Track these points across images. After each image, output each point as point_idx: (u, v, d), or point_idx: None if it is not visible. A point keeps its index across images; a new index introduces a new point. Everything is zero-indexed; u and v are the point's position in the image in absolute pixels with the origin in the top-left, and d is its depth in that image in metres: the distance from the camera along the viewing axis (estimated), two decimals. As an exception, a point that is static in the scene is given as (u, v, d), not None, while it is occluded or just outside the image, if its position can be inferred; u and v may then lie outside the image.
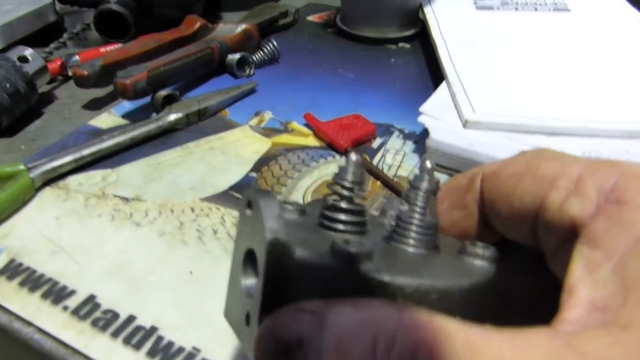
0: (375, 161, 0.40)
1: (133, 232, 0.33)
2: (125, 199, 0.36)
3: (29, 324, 0.28)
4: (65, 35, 0.51)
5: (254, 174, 0.38)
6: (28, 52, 0.46)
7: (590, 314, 0.16)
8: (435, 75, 0.50)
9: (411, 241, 0.20)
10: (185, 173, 0.38)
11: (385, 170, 0.39)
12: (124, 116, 0.45)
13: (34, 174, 0.36)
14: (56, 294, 0.29)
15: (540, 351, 0.14)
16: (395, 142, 0.42)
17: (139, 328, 0.27)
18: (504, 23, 0.55)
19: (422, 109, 0.40)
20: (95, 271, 0.30)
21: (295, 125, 0.44)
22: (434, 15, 0.57)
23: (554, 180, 0.20)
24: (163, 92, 0.45)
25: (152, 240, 0.33)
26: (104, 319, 0.28)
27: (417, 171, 0.21)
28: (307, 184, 0.37)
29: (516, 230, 0.23)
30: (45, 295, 0.29)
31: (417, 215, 0.20)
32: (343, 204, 0.20)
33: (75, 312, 0.28)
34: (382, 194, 0.36)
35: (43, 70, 0.47)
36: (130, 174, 0.38)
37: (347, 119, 0.43)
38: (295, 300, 0.16)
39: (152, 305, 0.28)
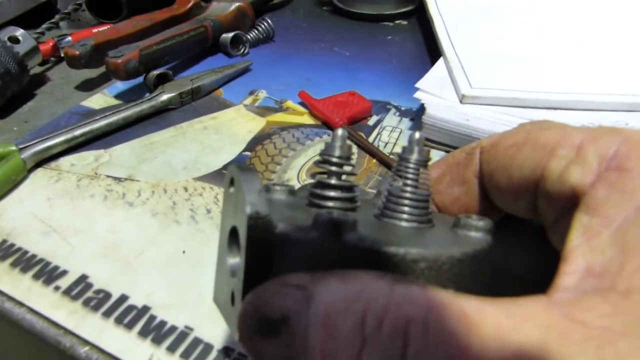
0: (371, 139, 0.39)
1: (126, 212, 0.33)
2: (118, 179, 0.35)
3: (21, 304, 0.28)
4: (57, 16, 0.51)
5: (247, 153, 0.37)
6: (19, 32, 0.45)
7: (586, 280, 0.16)
8: (432, 51, 0.50)
9: (403, 215, 0.19)
10: (178, 153, 0.38)
11: (381, 148, 0.38)
12: (117, 97, 0.45)
13: (25, 154, 0.36)
14: (48, 274, 0.29)
15: (539, 322, 0.14)
16: (391, 119, 0.41)
17: (131, 308, 0.27)
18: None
19: (418, 84, 0.39)
20: (87, 251, 0.30)
21: (290, 103, 0.43)
22: (431, -9, 0.56)
23: (554, 149, 0.20)
24: (156, 72, 0.44)
25: (144, 220, 0.32)
26: (96, 299, 0.27)
27: (406, 143, 0.21)
28: (301, 163, 0.36)
29: (516, 203, 0.22)
30: (36, 276, 0.29)
31: (408, 188, 0.19)
32: (331, 180, 0.19)
33: (67, 292, 0.28)
34: (378, 171, 0.36)
35: (34, 50, 0.46)
36: (122, 155, 0.38)
37: (342, 96, 0.42)
38: (280, 275, 0.16)
39: (144, 285, 0.28)
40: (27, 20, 0.54)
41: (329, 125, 0.40)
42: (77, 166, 0.37)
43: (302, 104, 0.43)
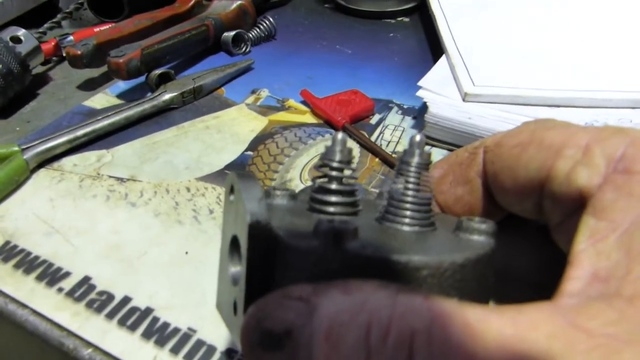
0: (373, 137, 0.39)
1: (128, 213, 0.33)
2: (121, 180, 0.35)
3: (24, 306, 0.28)
4: (59, 16, 0.51)
5: (250, 153, 0.37)
6: (21, 32, 0.45)
7: (592, 285, 0.16)
8: (435, 48, 0.49)
9: (405, 219, 0.19)
10: (180, 153, 0.38)
11: (384, 147, 0.38)
12: (119, 96, 0.45)
13: (28, 155, 0.36)
14: (51, 275, 0.29)
15: (544, 331, 0.13)
16: (394, 117, 0.41)
17: (134, 309, 0.27)
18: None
19: (421, 82, 0.39)
20: (90, 252, 0.30)
21: (292, 102, 0.43)
22: (433, -13, 0.56)
23: (560, 149, 0.20)
24: (157, 71, 0.44)
25: (147, 220, 0.32)
26: (99, 301, 0.28)
27: (407, 146, 0.20)
28: (304, 162, 0.36)
29: (521, 203, 0.22)
30: (40, 277, 0.29)
31: (409, 192, 0.19)
32: (331, 185, 0.19)
33: (70, 293, 0.28)
34: (381, 170, 0.36)
35: (36, 50, 0.46)
36: (125, 155, 0.38)
37: (344, 94, 0.42)
38: (282, 285, 0.16)
39: (147, 286, 0.28)
40: (29, 19, 0.54)
41: (331, 124, 0.40)
42: (80, 166, 0.37)
43: (304, 102, 0.43)
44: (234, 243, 0.18)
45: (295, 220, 0.18)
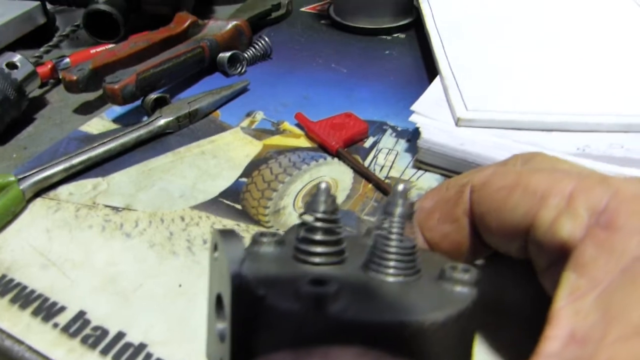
0: (367, 162, 0.39)
1: (123, 244, 0.33)
2: (116, 209, 0.36)
3: (20, 342, 0.28)
4: (55, 39, 0.51)
5: (244, 179, 0.38)
6: (17, 58, 0.45)
7: (568, 346, 0.16)
8: (430, 66, 0.49)
9: (389, 270, 0.19)
10: (176, 179, 0.38)
11: (377, 172, 0.38)
12: (115, 120, 0.45)
13: (24, 185, 0.36)
14: (47, 310, 0.29)
15: None
16: (388, 140, 0.41)
17: (128, 345, 0.27)
18: (499, 8, 0.54)
19: (414, 107, 0.39)
20: (85, 286, 0.31)
21: (287, 125, 0.43)
22: (427, 4, 0.56)
23: (544, 197, 0.20)
24: (153, 96, 0.44)
25: (142, 251, 0.32)
26: (93, 336, 0.28)
27: (391, 195, 0.21)
28: (298, 188, 0.37)
29: (507, 245, 0.22)
30: (35, 312, 0.29)
31: (393, 243, 0.19)
32: (316, 236, 0.19)
33: (66, 329, 0.28)
34: (374, 197, 0.36)
35: (33, 75, 0.46)
36: (120, 182, 0.38)
37: (338, 117, 0.42)
38: (266, 345, 0.16)
39: (141, 320, 0.28)
40: (25, 40, 0.55)
41: (325, 149, 0.40)
42: (76, 195, 0.37)
43: (299, 125, 0.43)
44: (219, 300, 0.18)
45: (281, 274, 0.19)
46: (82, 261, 0.32)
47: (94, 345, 0.27)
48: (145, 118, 0.45)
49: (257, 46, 0.53)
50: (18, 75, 0.45)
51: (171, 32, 0.52)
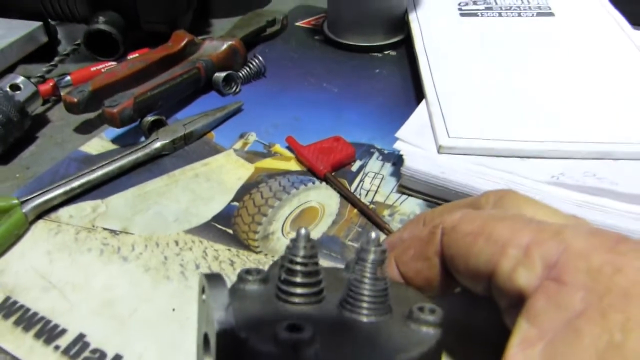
0: (354, 186, 0.41)
1: (120, 267, 0.35)
2: (114, 232, 0.38)
3: (24, 363, 0.30)
4: (56, 59, 0.53)
5: (235, 204, 0.40)
6: (19, 80, 0.47)
7: None
8: (418, 85, 0.51)
9: (363, 311, 0.21)
10: (170, 203, 0.40)
11: (363, 196, 0.40)
12: (114, 140, 0.47)
13: (26, 208, 0.38)
14: (48, 333, 0.31)
15: None
16: (374, 164, 0.43)
17: (124, 368, 0.29)
18: (486, 31, 0.56)
19: (398, 134, 0.41)
20: (84, 309, 0.33)
21: (278, 148, 0.45)
22: (418, 24, 0.58)
23: (505, 247, 0.22)
24: (150, 118, 0.46)
25: (137, 276, 0.34)
26: (92, 359, 0.30)
27: (364, 243, 0.23)
28: (286, 214, 0.39)
29: (473, 285, 0.24)
30: (37, 335, 0.31)
31: (366, 287, 0.22)
32: (296, 279, 0.21)
33: (66, 351, 0.30)
34: (358, 222, 0.38)
35: (35, 96, 0.48)
36: (118, 205, 0.40)
37: (327, 141, 0.44)
38: None
39: (136, 343, 0.30)
40: (28, 57, 0.56)
41: (314, 173, 0.42)
42: (76, 217, 0.39)
43: (289, 147, 0.45)
44: (206, 338, 0.20)
45: (264, 314, 0.21)
46: (81, 284, 0.34)
47: (92, 368, 0.29)
48: (142, 138, 0.47)
49: (251, 65, 0.55)
50: (21, 96, 0.46)
51: (168, 51, 0.54)
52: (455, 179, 0.38)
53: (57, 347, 0.30)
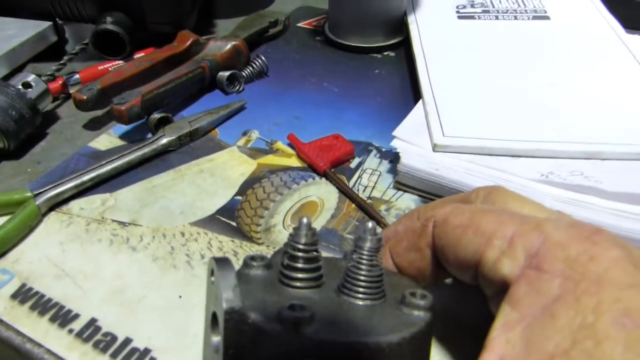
0: (352, 182, 0.43)
1: (129, 257, 0.37)
2: (123, 224, 0.40)
3: (39, 345, 0.32)
4: (65, 58, 0.55)
5: (239, 198, 0.41)
6: (31, 78, 0.49)
7: None
8: (415, 85, 0.53)
9: (359, 295, 0.23)
10: (177, 197, 0.42)
11: (360, 192, 0.42)
12: (121, 137, 0.49)
13: (39, 201, 0.40)
14: (62, 317, 0.33)
15: None
16: (372, 161, 0.45)
17: (134, 350, 0.31)
18: (483, 34, 0.58)
19: (395, 132, 0.43)
20: (95, 295, 0.34)
21: (279, 145, 0.47)
22: (416, 26, 0.60)
23: (490, 238, 0.24)
24: (156, 115, 0.48)
25: (146, 265, 0.36)
26: (104, 341, 0.32)
27: (361, 232, 0.25)
28: (287, 207, 0.40)
29: (462, 275, 0.26)
30: (52, 319, 0.33)
31: (362, 272, 0.23)
32: (297, 264, 0.23)
33: (79, 334, 0.32)
34: (356, 216, 0.40)
35: (45, 93, 0.50)
36: (126, 199, 0.42)
37: (327, 139, 0.46)
38: (253, 358, 0.20)
39: (145, 328, 0.32)
40: (38, 55, 0.58)
41: (314, 169, 0.44)
42: (86, 210, 0.41)
43: (290, 145, 0.47)
44: (215, 317, 0.22)
45: (267, 296, 0.23)
46: (92, 272, 0.36)
47: (104, 350, 0.31)
48: (149, 135, 0.48)
49: (254, 65, 0.56)
50: (32, 94, 0.48)
51: (174, 51, 0.55)
52: (449, 176, 0.40)
53: (70, 331, 0.32)
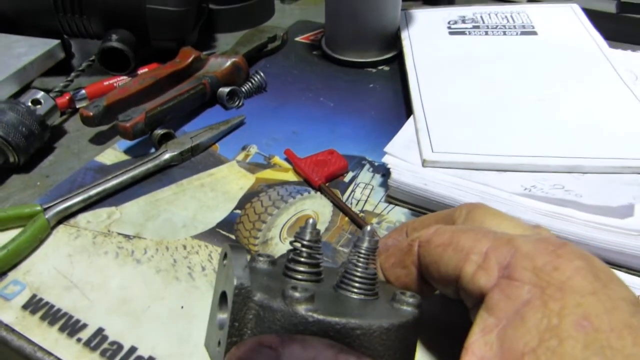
0: (345, 196, 0.45)
1: (134, 269, 0.39)
2: (128, 237, 0.42)
3: (50, 354, 0.34)
4: (72, 74, 0.57)
5: (238, 211, 0.44)
6: (40, 95, 0.51)
7: None
8: (408, 99, 0.55)
9: (355, 290, 0.26)
10: (179, 211, 0.44)
11: (353, 205, 0.44)
12: (126, 151, 0.51)
13: (48, 214, 0.42)
14: (71, 327, 0.35)
15: None
16: (365, 175, 0.47)
17: (139, 358, 0.33)
18: (473, 49, 0.60)
19: (387, 149, 0.45)
20: (102, 306, 0.37)
21: (277, 159, 0.49)
22: (409, 42, 0.62)
23: (467, 254, 0.26)
24: (159, 131, 0.50)
25: (150, 276, 0.38)
26: (110, 350, 0.34)
27: (359, 235, 0.27)
28: (284, 221, 0.43)
29: (445, 289, 0.29)
30: (62, 329, 0.35)
31: (359, 269, 0.26)
32: (301, 258, 0.26)
33: (87, 343, 0.34)
34: (349, 230, 0.42)
35: (54, 109, 0.52)
36: (131, 212, 0.44)
37: (322, 154, 0.48)
38: (256, 333, 0.22)
39: (149, 337, 0.34)
40: (45, 72, 0.60)
41: (309, 183, 0.46)
42: (93, 223, 0.43)
43: (287, 159, 0.49)
44: (223, 297, 0.25)
45: (271, 283, 0.25)
46: (99, 284, 0.38)
47: (111, 358, 0.33)
48: (152, 149, 0.51)
49: (253, 81, 0.59)
50: (41, 110, 0.51)
51: (176, 67, 0.58)
52: (437, 190, 0.42)
53: (79, 340, 0.34)
